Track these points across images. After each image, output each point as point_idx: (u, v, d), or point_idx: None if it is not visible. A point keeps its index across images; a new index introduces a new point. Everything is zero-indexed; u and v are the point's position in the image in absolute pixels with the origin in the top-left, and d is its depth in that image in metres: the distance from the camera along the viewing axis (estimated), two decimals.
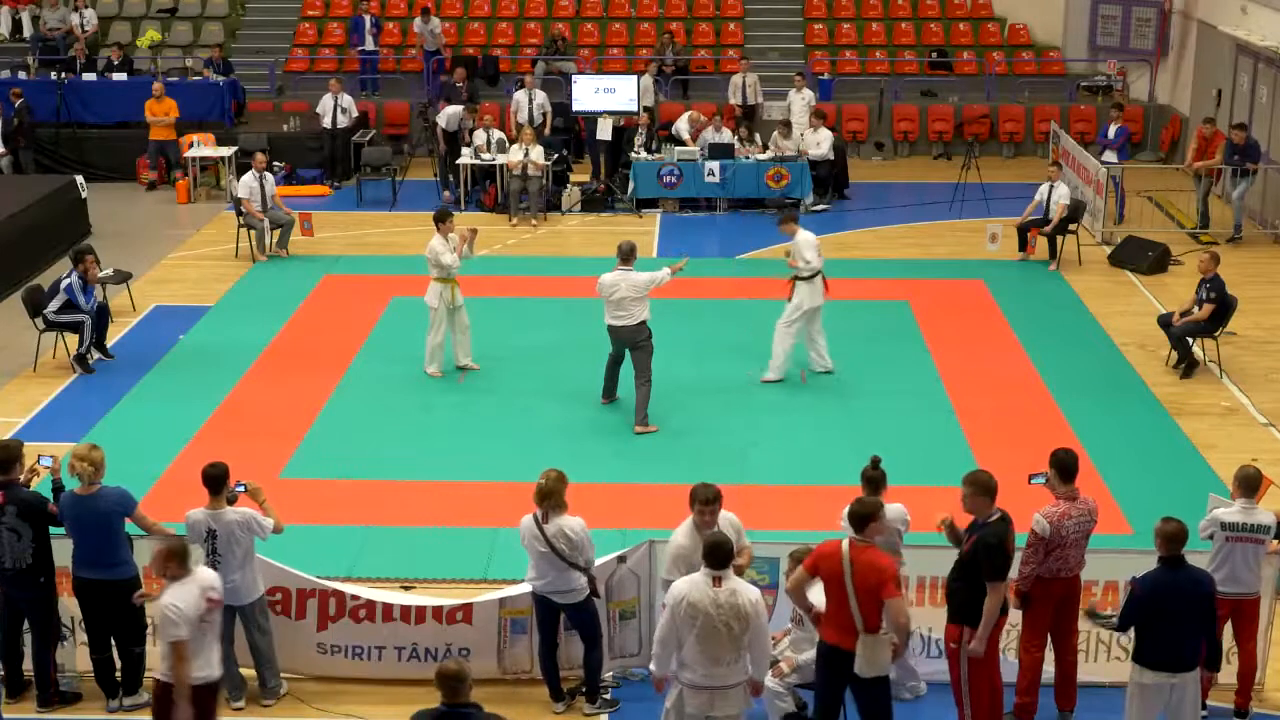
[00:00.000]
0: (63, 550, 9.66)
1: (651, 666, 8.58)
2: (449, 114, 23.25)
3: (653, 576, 9.84)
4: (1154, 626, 8.59)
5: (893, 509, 9.38)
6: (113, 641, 9.71)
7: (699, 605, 8.18)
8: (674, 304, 16.11)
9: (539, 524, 9.30)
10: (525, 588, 9.77)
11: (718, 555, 8.27)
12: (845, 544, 8.44)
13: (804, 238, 15.15)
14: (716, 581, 8.24)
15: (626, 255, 14.17)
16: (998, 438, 13.90)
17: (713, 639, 8.20)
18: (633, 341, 14.13)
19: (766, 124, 24.23)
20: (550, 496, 9.27)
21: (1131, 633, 8.81)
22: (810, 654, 8.98)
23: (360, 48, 27.39)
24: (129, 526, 9.59)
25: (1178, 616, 8.57)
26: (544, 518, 9.29)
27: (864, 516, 8.51)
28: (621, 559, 9.87)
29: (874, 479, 9.40)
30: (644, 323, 14.10)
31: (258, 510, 9.55)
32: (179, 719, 8.29)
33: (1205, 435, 14.12)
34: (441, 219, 15.53)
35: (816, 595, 8.74)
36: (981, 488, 8.84)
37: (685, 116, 23.61)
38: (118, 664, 9.78)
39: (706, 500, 8.98)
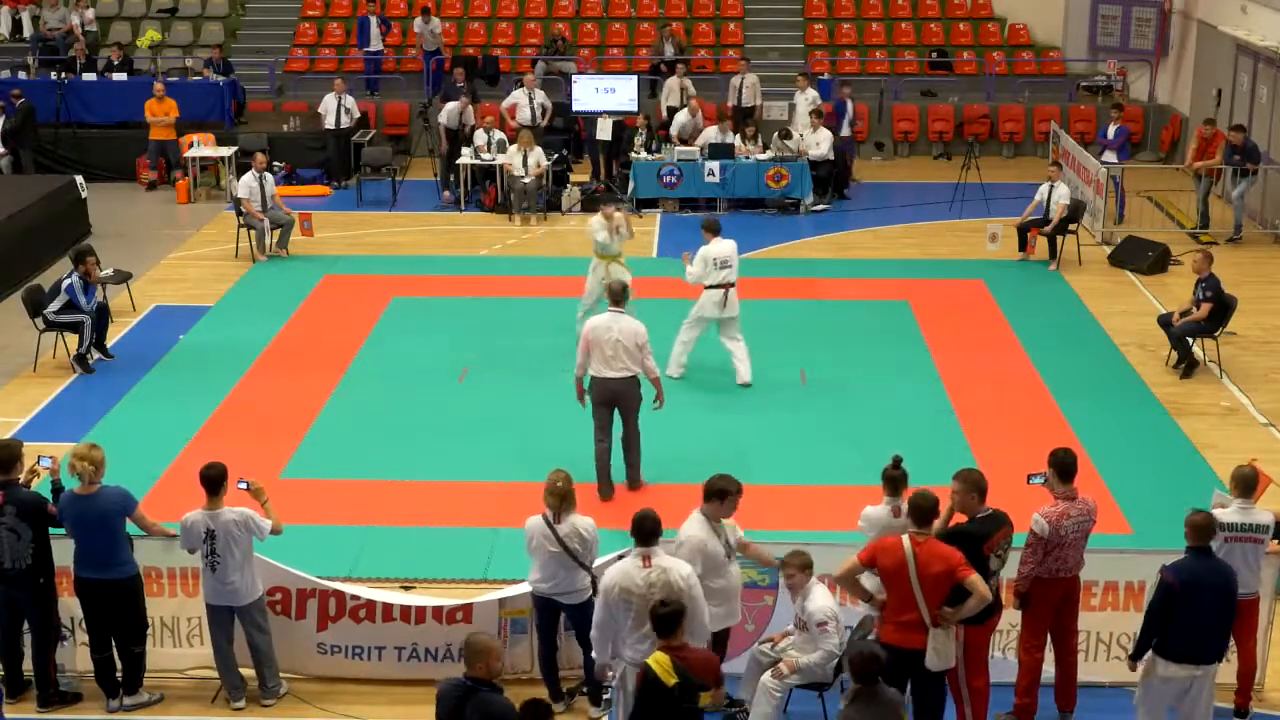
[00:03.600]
0: (62, 550, 9.66)
1: (593, 654, 8.64)
2: (449, 110, 23.26)
3: None
4: (1180, 617, 8.57)
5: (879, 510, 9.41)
6: (113, 642, 9.70)
7: (631, 590, 8.35)
8: (674, 304, 16.09)
9: (550, 524, 9.29)
10: (525, 588, 9.77)
11: (643, 532, 8.47)
12: (906, 539, 8.51)
13: (705, 249, 14.83)
14: (645, 561, 8.43)
15: (618, 297, 12.60)
16: (998, 438, 13.90)
17: (649, 620, 8.23)
18: (623, 398, 12.47)
19: (768, 124, 24.24)
20: (568, 497, 9.30)
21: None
22: (814, 657, 8.97)
23: (366, 48, 27.38)
24: (129, 526, 9.60)
25: (1204, 608, 8.59)
26: (556, 518, 9.29)
27: (927, 510, 8.55)
28: (621, 559, 9.85)
29: (895, 478, 9.38)
30: (637, 376, 12.42)
31: (258, 510, 9.55)
32: None
33: (1205, 435, 14.12)
34: (604, 202, 16.22)
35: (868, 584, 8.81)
36: (971, 485, 8.88)
37: (685, 110, 23.68)
38: (118, 664, 9.77)
39: (736, 491, 9.03)
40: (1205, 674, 8.72)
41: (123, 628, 9.64)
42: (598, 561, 9.57)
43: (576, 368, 12.48)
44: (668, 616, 7.81)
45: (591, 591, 9.44)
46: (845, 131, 23.69)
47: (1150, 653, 8.77)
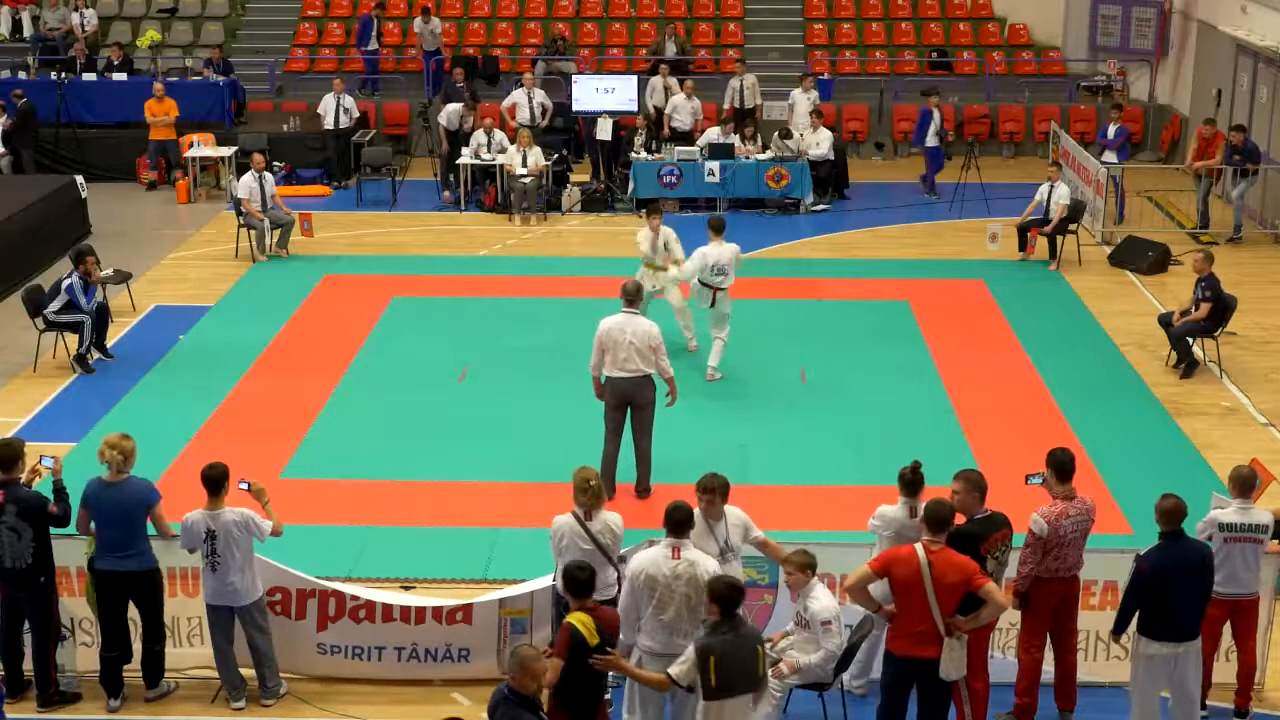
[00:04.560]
0: (63, 550, 9.68)
1: (620, 637, 8.70)
2: (449, 112, 23.28)
3: None
4: (1159, 599, 8.71)
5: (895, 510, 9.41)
6: (126, 638, 9.71)
7: (656, 578, 8.41)
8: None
9: (581, 521, 9.27)
10: (528, 588, 9.78)
11: (674, 522, 8.56)
12: (920, 548, 8.47)
13: (703, 249, 15.14)
14: (675, 552, 8.50)
15: (632, 297, 12.43)
16: (998, 438, 13.90)
17: (670, 610, 8.39)
18: (637, 398, 12.40)
19: (768, 124, 24.23)
20: (600, 494, 9.32)
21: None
22: (815, 657, 8.98)
23: (365, 48, 27.39)
24: None
25: (1181, 588, 8.71)
26: (588, 515, 9.29)
27: (944, 519, 8.53)
28: (622, 559, 9.86)
29: (912, 482, 9.36)
30: (650, 376, 12.37)
31: (259, 511, 9.56)
32: None
33: (1205, 435, 14.12)
34: (649, 212, 16.28)
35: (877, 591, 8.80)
36: (972, 485, 8.91)
37: (680, 94, 23.72)
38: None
39: (705, 489, 9.07)
40: (1188, 650, 8.85)
41: (143, 624, 9.67)
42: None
43: (592, 367, 12.47)
44: (584, 581, 8.22)
45: (617, 589, 9.43)
46: (932, 141, 23.33)
47: (1136, 634, 8.89)
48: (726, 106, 24.63)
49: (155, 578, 9.64)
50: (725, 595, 7.96)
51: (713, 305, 15.10)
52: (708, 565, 8.52)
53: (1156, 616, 8.77)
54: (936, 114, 23.30)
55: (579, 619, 8.09)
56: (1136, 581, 8.78)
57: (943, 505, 8.60)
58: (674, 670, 8.08)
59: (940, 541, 8.49)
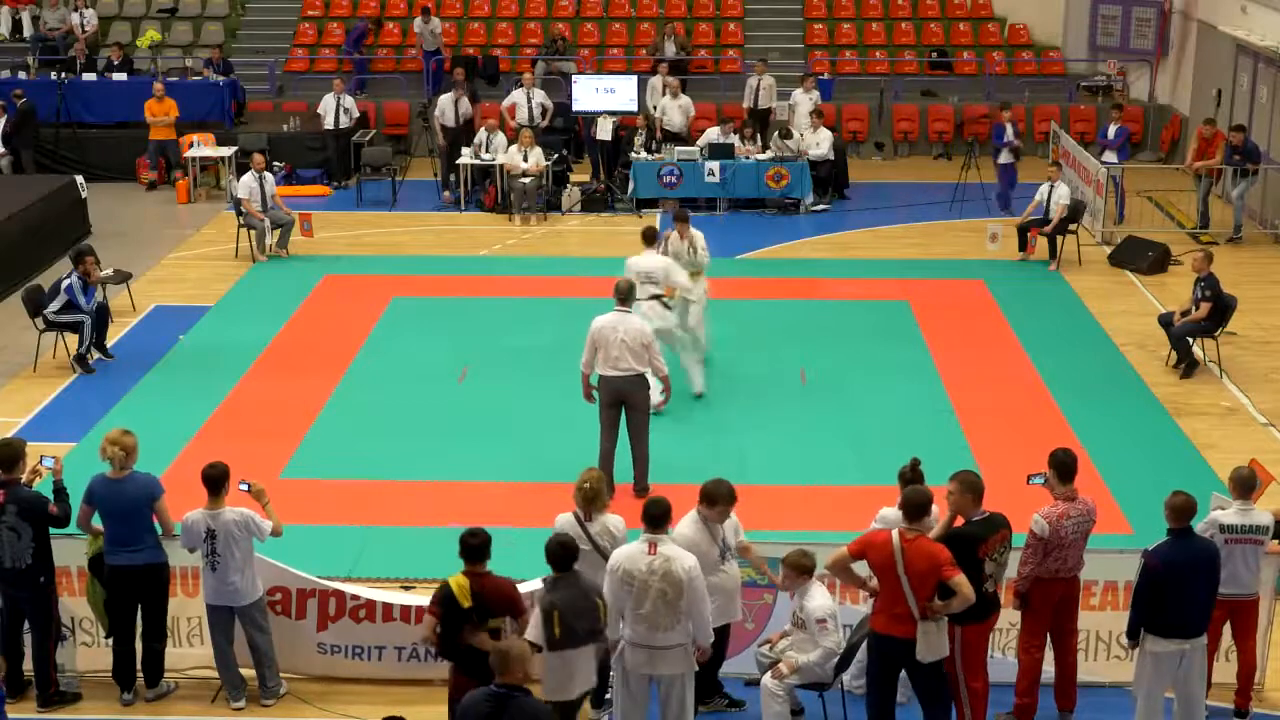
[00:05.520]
0: (63, 550, 9.69)
1: (608, 631, 8.72)
2: (441, 103, 23.27)
3: None
4: (1167, 595, 8.72)
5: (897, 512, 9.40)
6: (136, 635, 9.72)
7: (633, 573, 8.44)
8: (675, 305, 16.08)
9: (581, 522, 9.28)
10: (527, 588, 9.75)
11: (651, 517, 8.59)
12: (895, 534, 8.54)
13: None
14: (651, 547, 8.51)
15: (624, 296, 12.42)
16: (998, 438, 13.90)
17: (646, 604, 8.41)
18: (630, 398, 12.37)
19: (770, 124, 24.24)
20: (598, 498, 9.31)
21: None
22: (813, 656, 8.98)
23: (354, 53, 27.40)
24: None
25: (1189, 584, 8.72)
26: (587, 516, 9.29)
27: (921, 505, 8.58)
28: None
29: (912, 480, 9.33)
30: (643, 375, 12.32)
31: (259, 511, 9.56)
32: None
33: (1205, 435, 14.12)
34: (675, 218, 15.95)
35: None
36: (968, 486, 8.87)
37: (666, 95, 23.74)
38: (138, 658, 9.80)
39: (725, 499, 9.05)
40: (1194, 646, 8.87)
41: (146, 620, 9.67)
42: None
43: (583, 364, 12.48)
44: (476, 547, 8.46)
45: None
46: (1005, 158, 22.25)
47: (1143, 631, 8.89)
48: (745, 105, 24.61)
49: (164, 573, 9.66)
50: (554, 552, 8.38)
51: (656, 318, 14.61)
52: (684, 561, 8.52)
53: (1164, 613, 8.77)
54: (1009, 128, 22.27)
55: (455, 581, 8.40)
56: (1145, 577, 8.78)
57: (918, 492, 8.63)
58: (529, 635, 8.35)
59: (918, 530, 8.53)
